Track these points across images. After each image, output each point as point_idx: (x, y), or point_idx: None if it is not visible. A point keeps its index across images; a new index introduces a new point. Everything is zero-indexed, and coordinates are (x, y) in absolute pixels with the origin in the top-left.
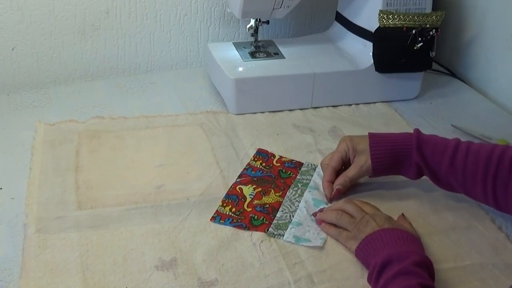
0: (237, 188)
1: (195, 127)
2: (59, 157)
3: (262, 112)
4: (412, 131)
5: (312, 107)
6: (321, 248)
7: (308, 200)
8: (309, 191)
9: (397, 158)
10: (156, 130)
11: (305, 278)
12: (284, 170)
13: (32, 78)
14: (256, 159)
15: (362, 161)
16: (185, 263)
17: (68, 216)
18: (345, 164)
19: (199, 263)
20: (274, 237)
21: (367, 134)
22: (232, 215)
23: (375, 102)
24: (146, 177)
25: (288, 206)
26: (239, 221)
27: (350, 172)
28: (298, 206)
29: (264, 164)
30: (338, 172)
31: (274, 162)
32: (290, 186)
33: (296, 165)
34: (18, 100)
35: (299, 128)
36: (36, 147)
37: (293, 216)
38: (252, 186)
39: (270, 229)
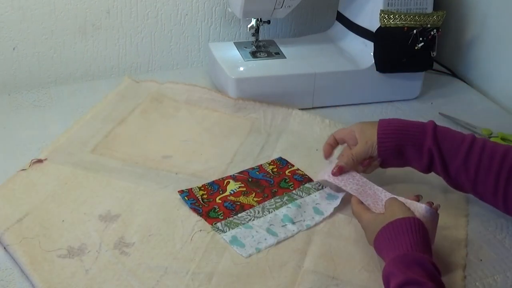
0: (225, 181)
1: (247, 121)
2: (117, 108)
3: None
4: None
5: (313, 107)
6: (245, 257)
7: (278, 214)
8: (288, 207)
9: (405, 141)
10: (213, 113)
11: (205, 274)
12: (287, 180)
13: (33, 78)
14: (271, 164)
15: (368, 136)
16: (122, 222)
17: (77, 154)
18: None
19: (134, 226)
20: (217, 231)
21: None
22: (199, 199)
23: (376, 102)
24: (164, 146)
25: (256, 211)
26: (200, 206)
27: (355, 149)
28: (266, 215)
29: (275, 170)
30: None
31: (286, 172)
32: (276, 196)
33: (304, 180)
34: (19, 100)
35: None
36: (108, 96)
37: (251, 221)
38: (240, 184)
39: (218, 223)
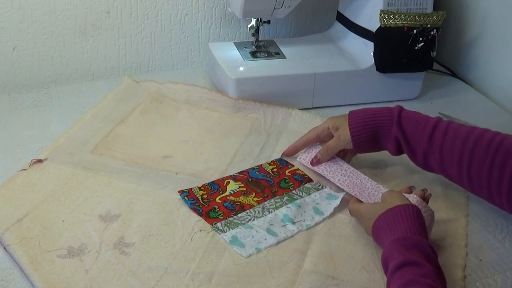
0: (225, 181)
1: (247, 121)
2: (117, 108)
3: None
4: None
5: (313, 107)
6: (245, 257)
7: (278, 214)
8: (288, 207)
9: (376, 129)
10: (213, 113)
11: (205, 274)
12: (287, 180)
13: (33, 78)
14: (271, 164)
15: (341, 132)
16: (122, 222)
17: (77, 154)
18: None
19: (134, 226)
20: (217, 231)
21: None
22: (199, 199)
23: (376, 102)
24: (164, 146)
25: (256, 211)
26: (200, 206)
27: (330, 142)
28: (266, 215)
29: (275, 170)
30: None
31: (286, 172)
32: (276, 196)
33: (304, 180)
34: (19, 100)
35: None
36: (108, 96)
37: (251, 221)
38: (240, 184)
39: (218, 223)
